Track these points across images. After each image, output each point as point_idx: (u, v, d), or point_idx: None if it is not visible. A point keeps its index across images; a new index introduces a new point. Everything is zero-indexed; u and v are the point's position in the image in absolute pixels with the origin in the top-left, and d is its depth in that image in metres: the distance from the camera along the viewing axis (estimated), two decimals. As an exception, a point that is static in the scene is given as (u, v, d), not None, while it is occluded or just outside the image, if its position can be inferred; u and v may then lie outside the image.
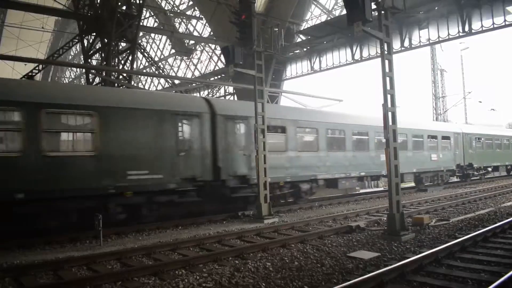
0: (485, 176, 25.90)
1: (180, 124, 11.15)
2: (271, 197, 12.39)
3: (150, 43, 44.73)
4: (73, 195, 9.19)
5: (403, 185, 17.30)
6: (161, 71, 34.39)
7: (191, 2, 35.54)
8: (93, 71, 20.99)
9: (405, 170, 17.20)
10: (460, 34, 20.81)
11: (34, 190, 8.67)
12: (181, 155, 11.02)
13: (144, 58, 34.66)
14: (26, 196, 8.54)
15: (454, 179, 24.13)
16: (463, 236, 7.98)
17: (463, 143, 22.68)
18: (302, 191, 14.38)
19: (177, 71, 41.29)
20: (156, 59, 40.42)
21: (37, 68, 24.12)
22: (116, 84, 20.18)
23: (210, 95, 33.88)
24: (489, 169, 25.88)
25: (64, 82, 65.60)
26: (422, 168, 19.35)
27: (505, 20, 19.11)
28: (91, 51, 20.97)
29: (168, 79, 32.26)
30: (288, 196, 14.42)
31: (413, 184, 20.64)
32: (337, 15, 26.19)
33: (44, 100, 9.08)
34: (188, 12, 35.81)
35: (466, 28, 20.29)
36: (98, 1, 19.65)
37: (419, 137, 19.24)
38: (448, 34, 21.31)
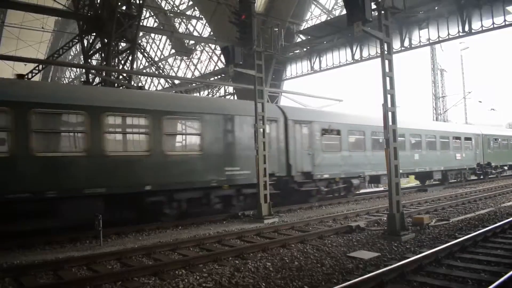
0: (501, 174, 27.24)
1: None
2: (327, 191, 14.93)
3: (150, 43, 44.75)
4: (186, 188, 11.14)
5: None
6: (161, 71, 34.39)
7: (191, 2, 35.56)
8: (93, 71, 20.99)
9: (434, 168, 19.92)
10: (460, 34, 20.83)
11: (158, 183, 10.56)
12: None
13: (144, 58, 34.68)
14: (153, 187, 10.44)
15: (473, 177, 25.51)
16: (463, 236, 7.98)
17: (482, 143, 24.56)
18: (353, 186, 16.18)
19: (177, 71, 41.32)
20: (156, 59, 40.43)
21: (37, 68, 24.15)
22: (116, 85, 20.20)
23: (210, 95, 33.90)
24: (505, 167, 27.57)
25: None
26: (448, 166, 21.31)
27: (505, 20, 19.13)
28: (91, 51, 20.98)
29: (168, 79, 32.25)
30: (342, 190, 15.95)
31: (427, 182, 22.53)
32: (337, 15, 26.21)
33: (167, 108, 11.06)
34: (188, 12, 35.82)
35: (466, 28, 20.30)
36: (98, 1, 19.65)
37: (445, 139, 21.23)
38: (448, 34, 21.33)
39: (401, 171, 16.54)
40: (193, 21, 35.99)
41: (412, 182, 24.86)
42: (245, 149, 12.33)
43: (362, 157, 16.29)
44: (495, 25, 19.42)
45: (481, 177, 25.04)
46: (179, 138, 11.62)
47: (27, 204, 8.73)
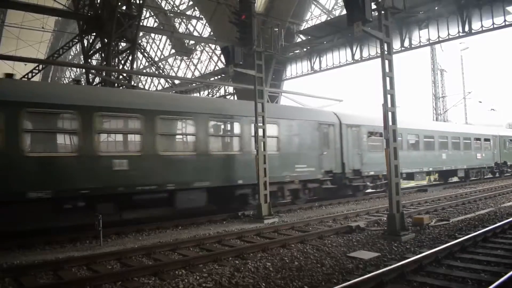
0: None
1: (323, 131, 15.08)
2: (374, 186, 17.00)
3: (150, 43, 44.74)
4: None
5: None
6: (161, 71, 34.39)
7: (191, 2, 35.55)
8: (93, 71, 20.99)
9: (458, 166, 22.18)
10: (460, 34, 20.83)
11: (246, 178, 12.37)
12: (324, 154, 14.87)
13: (144, 58, 34.70)
14: (243, 182, 12.36)
15: (489, 175, 27.33)
16: (463, 236, 7.98)
17: (499, 144, 26.65)
18: None
19: (177, 71, 41.32)
20: (156, 59, 40.43)
21: (37, 68, 24.15)
22: (116, 84, 20.19)
23: (210, 95, 33.89)
24: None
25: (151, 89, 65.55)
26: (470, 165, 23.40)
27: (505, 20, 19.12)
28: (91, 51, 20.98)
29: (168, 79, 32.25)
30: (384, 186, 17.33)
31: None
32: (337, 15, 26.20)
33: (245, 114, 12.72)
34: (188, 12, 35.82)
35: (466, 28, 20.30)
36: (98, 1, 19.65)
37: (467, 140, 23.28)
38: (448, 34, 21.33)
39: (431, 168, 20.33)
40: (193, 21, 36.00)
41: (434, 180, 26.32)
42: (309, 149, 14.36)
43: (399, 157, 16.97)
44: (495, 25, 19.41)
45: (497, 175, 27.06)
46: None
47: (153, 193, 10.63)
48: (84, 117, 9.57)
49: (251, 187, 12.55)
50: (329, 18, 26.59)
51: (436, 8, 21.17)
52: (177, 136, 12.00)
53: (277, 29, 24.69)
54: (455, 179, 24.46)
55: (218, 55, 33.84)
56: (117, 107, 10.20)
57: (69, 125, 9.68)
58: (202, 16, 33.02)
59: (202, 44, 35.64)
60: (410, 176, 19.23)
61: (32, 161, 8.88)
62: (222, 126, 12.66)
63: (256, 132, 11.96)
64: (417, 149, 19.35)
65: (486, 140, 25.23)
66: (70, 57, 58.10)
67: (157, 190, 10.57)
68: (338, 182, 15.53)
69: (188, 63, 39.82)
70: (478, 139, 24.32)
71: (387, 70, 8.93)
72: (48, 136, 9.56)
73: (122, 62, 20.67)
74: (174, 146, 11.56)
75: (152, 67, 34.32)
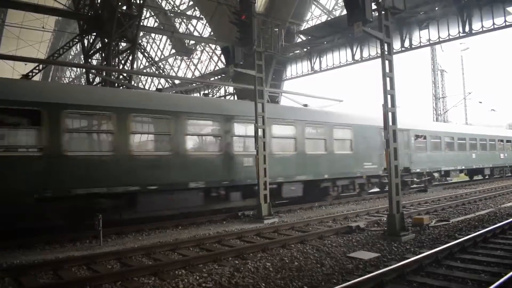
0: None
1: (383, 135, 15.54)
2: (419, 181, 19.51)
3: (151, 43, 44.74)
4: (343, 177, 15.57)
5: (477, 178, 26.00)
6: (161, 71, 34.38)
7: (191, 2, 35.54)
8: (93, 71, 20.99)
9: (485, 165, 24.90)
10: (461, 34, 20.81)
11: (330, 173, 14.93)
12: (383, 154, 15.47)
13: (144, 58, 34.68)
14: (328, 176, 14.87)
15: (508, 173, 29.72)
16: (463, 237, 7.98)
17: None
18: (435, 178, 20.60)
19: (177, 71, 41.30)
20: (156, 59, 40.42)
21: (37, 68, 24.15)
22: (116, 84, 20.18)
23: (210, 95, 33.87)
24: None
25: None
26: (495, 164, 26.28)
27: (505, 21, 19.11)
28: (92, 51, 20.98)
29: (168, 79, 32.25)
30: (427, 181, 20.02)
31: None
32: (337, 15, 26.18)
33: (337, 121, 15.62)
34: (189, 12, 35.80)
35: (467, 29, 20.28)
36: (99, 1, 19.65)
37: (492, 141, 26.16)
38: (449, 35, 21.31)
39: (463, 167, 23.16)
40: (194, 21, 35.99)
41: (463, 178, 27.57)
42: (373, 150, 16.66)
43: (439, 156, 20.87)
44: (495, 26, 19.40)
45: None
46: (340, 142, 15.70)
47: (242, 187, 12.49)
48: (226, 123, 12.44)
49: (331, 181, 15.17)
50: (329, 18, 26.57)
51: (436, 8, 21.15)
52: (284, 140, 14.03)
53: (277, 29, 24.79)
54: (470, 177, 26.73)
55: (218, 55, 33.84)
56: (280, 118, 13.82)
57: (216, 131, 12.27)
58: (202, 16, 33.01)
59: (202, 44, 35.64)
60: (446, 174, 21.75)
61: (192, 159, 11.40)
62: (314, 131, 15.09)
63: (256, 132, 11.95)
64: (452, 149, 22.19)
65: (508, 141, 28.43)
66: (70, 57, 58.08)
67: (270, 182, 12.50)
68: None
69: (188, 63, 39.83)
70: (501, 140, 27.38)
71: (387, 70, 8.93)
72: (203, 139, 12.43)
73: (122, 62, 20.68)
74: (283, 147, 13.85)
75: (152, 67, 34.31)
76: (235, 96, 32.26)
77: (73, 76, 65.36)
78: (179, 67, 41.53)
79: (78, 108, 9.51)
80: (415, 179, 19.31)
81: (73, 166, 9.28)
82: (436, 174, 20.57)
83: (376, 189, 18.58)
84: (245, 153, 12.65)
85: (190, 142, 11.69)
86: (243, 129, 12.71)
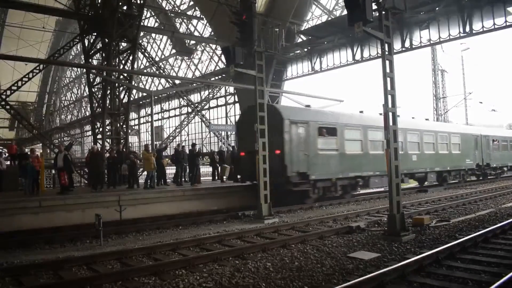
0: None
1: (475, 139, 24.10)
2: (495, 173, 26.51)
3: (151, 43, 44.68)
4: (455, 169, 22.28)
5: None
6: (161, 71, 34.37)
7: (191, 2, 35.52)
8: (94, 71, 20.99)
9: (508, 163, 28.62)
10: (461, 34, 20.76)
11: (452, 165, 21.96)
12: (476, 153, 23.98)
13: (144, 58, 34.66)
14: (450, 168, 21.92)
15: None
16: (464, 237, 7.98)
17: None
18: (504, 171, 27.75)
19: (178, 71, 41.22)
20: (157, 59, 40.36)
21: (37, 68, 24.16)
22: (116, 84, 20.19)
23: (210, 95, 33.87)
24: None
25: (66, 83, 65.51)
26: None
27: (506, 21, 19.06)
28: (92, 51, 20.94)
29: (168, 79, 32.26)
30: (501, 174, 26.94)
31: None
32: (338, 15, 26.15)
33: (439, 129, 22.03)
34: (189, 12, 35.76)
35: (467, 29, 20.23)
36: (99, 1, 19.63)
37: None
38: (449, 35, 21.26)
39: (500, 164, 28.83)
40: (194, 21, 35.94)
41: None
42: (471, 150, 23.29)
43: (506, 155, 27.99)
44: (496, 26, 19.36)
45: None
46: (454, 145, 22.01)
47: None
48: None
49: (449, 171, 21.67)
50: (330, 19, 26.54)
51: (437, 8, 21.12)
52: (428, 144, 20.01)
53: (277, 29, 24.75)
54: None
55: (219, 55, 33.82)
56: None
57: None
58: (203, 16, 32.99)
59: (203, 44, 35.60)
60: (494, 169, 26.61)
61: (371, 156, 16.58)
62: (443, 138, 21.26)
63: (257, 132, 11.95)
64: (502, 149, 27.86)
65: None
66: (70, 57, 58.07)
67: (421, 172, 19.60)
68: (481, 170, 24.84)
69: (188, 63, 39.79)
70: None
71: (388, 70, 8.93)
72: (374, 143, 16.74)
73: (123, 62, 20.66)
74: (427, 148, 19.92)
75: (153, 67, 34.27)
76: (236, 96, 32.27)
77: (73, 76, 65.35)
78: (179, 67, 41.48)
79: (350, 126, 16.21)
80: (492, 172, 26.17)
81: (348, 159, 15.71)
82: (505, 168, 28.17)
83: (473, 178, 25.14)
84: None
85: (372, 145, 16.67)
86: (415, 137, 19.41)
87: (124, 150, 18.81)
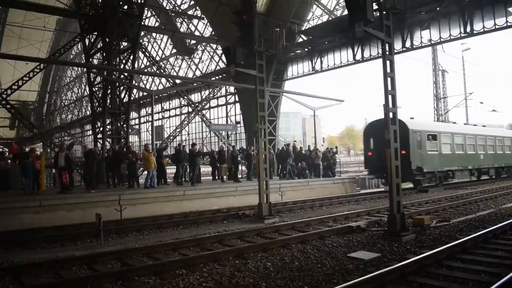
0: None
1: None
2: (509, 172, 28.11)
3: (152, 43, 44.66)
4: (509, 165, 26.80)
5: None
6: (162, 71, 34.36)
7: (192, 2, 35.51)
8: (94, 70, 20.99)
9: None
10: (462, 35, 20.72)
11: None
12: None
13: (145, 58, 34.67)
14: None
15: None
16: (464, 237, 7.98)
17: None
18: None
19: (178, 70, 41.19)
20: (157, 58, 40.36)
21: (38, 67, 24.18)
22: (117, 84, 20.19)
23: (211, 95, 33.86)
24: None
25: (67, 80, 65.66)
26: None
27: (506, 21, 19.03)
28: (93, 50, 20.95)
29: (169, 79, 32.24)
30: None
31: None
32: (338, 15, 26.13)
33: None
34: (190, 12, 35.75)
35: (468, 29, 20.20)
36: (100, 0, 19.64)
37: None
38: (450, 35, 21.22)
39: None
40: (195, 21, 35.93)
41: None
42: None
43: None
44: (496, 26, 19.32)
45: None
46: (507, 147, 26.46)
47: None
48: None
49: (506, 167, 26.34)
50: (330, 18, 26.52)
51: (437, 8, 21.09)
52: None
53: (278, 29, 24.73)
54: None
55: (220, 55, 33.79)
56: None
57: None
58: (204, 16, 32.98)
59: (204, 43, 35.59)
60: None
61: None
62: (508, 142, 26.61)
63: (257, 132, 11.96)
64: None
65: None
66: (71, 56, 58.05)
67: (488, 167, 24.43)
68: None
69: (189, 62, 39.77)
70: None
71: (388, 70, 8.92)
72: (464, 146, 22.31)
73: (124, 61, 20.66)
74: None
75: (153, 67, 34.27)
76: (236, 96, 32.26)
77: (74, 76, 65.35)
78: (180, 66, 41.45)
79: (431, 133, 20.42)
80: None
81: (443, 157, 20.61)
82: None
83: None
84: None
85: (457, 147, 21.67)
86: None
87: (124, 149, 18.80)
